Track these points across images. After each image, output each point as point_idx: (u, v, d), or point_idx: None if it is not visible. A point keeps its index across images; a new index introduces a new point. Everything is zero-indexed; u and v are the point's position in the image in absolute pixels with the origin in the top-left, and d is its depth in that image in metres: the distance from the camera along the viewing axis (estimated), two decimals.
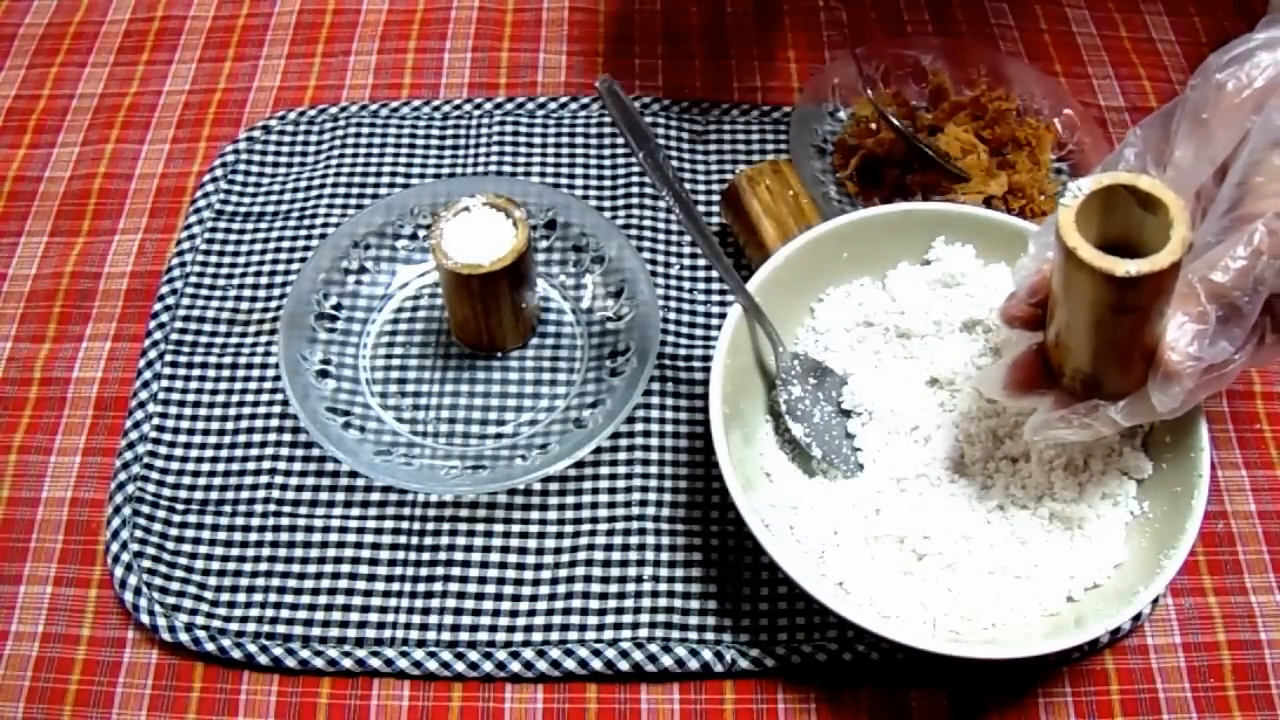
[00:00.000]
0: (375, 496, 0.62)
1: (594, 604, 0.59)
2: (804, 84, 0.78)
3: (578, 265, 0.69)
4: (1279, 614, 0.60)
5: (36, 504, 0.63)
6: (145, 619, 0.58)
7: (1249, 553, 0.62)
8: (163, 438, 0.64)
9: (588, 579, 0.59)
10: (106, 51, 0.82)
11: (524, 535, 0.61)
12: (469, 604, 0.59)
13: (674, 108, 0.78)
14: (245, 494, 0.62)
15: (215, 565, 0.60)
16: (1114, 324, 0.44)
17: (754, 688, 0.57)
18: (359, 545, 0.60)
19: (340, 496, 0.62)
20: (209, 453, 0.63)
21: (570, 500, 0.62)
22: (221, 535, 0.61)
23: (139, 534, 0.60)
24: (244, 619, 0.58)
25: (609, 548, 0.60)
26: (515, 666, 0.57)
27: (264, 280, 0.70)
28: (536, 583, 0.59)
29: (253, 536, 0.61)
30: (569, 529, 0.61)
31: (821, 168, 0.72)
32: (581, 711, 0.57)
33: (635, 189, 0.73)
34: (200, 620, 0.58)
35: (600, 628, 0.58)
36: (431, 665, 0.57)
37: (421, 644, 0.58)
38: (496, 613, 0.59)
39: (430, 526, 0.61)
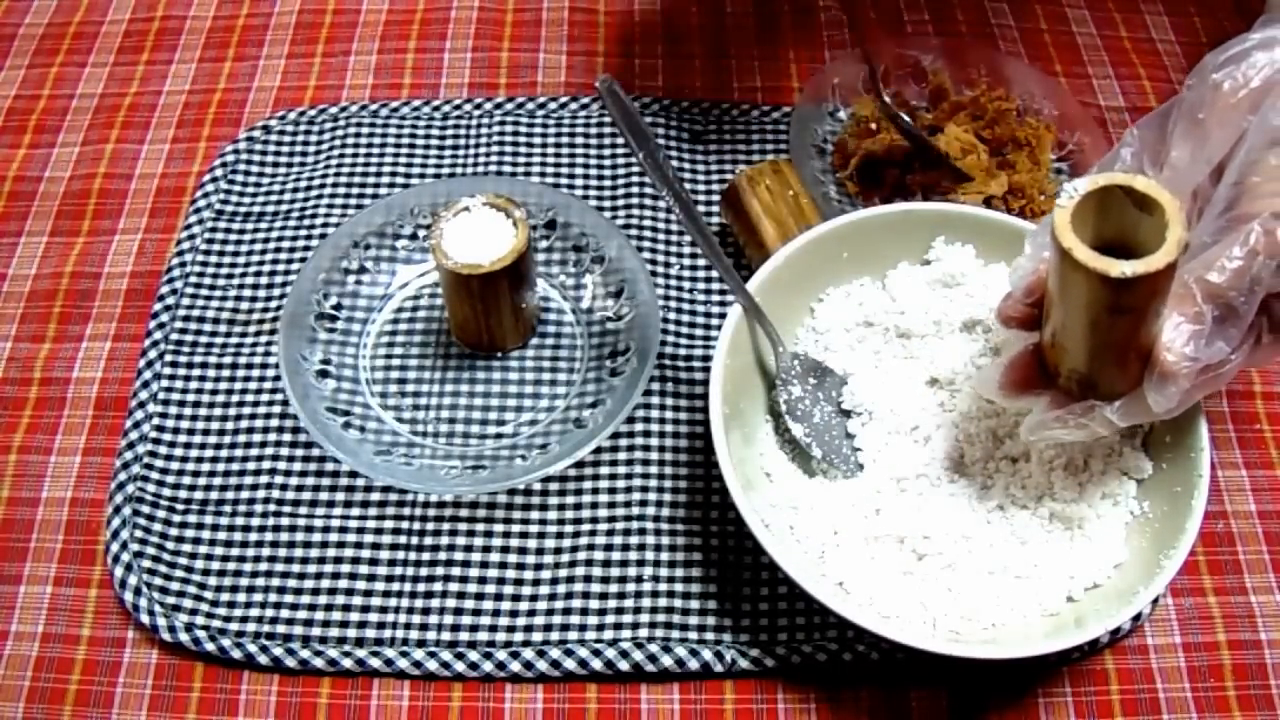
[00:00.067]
0: (375, 496, 0.62)
1: (594, 604, 0.59)
2: (804, 84, 0.78)
3: (578, 265, 0.69)
4: (1279, 614, 0.60)
5: (36, 504, 0.63)
6: (145, 619, 0.58)
7: (1249, 553, 0.62)
8: (163, 438, 0.64)
9: (588, 579, 0.59)
10: (106, 51, 0.82)
11: (524, 535, 0.61)
12: (469, 604, 0.59)
13: (674, 108, 0.78)
14: (245, 494, 0.62)
15: (215, 565, 0.60)
16: (1110, 324, 0.44)
17: (754, 688, 0.57)
18: (359, 545, 0.60)
19: (340, 496, 0.62)
20: (209, 453, 0.63)
21: (570, 500, 0.62)
22: (221, 535, 0.61)
23: (139, 534, 0.60)
24: (244, 619, 0.58)
25: (609, 548, 0.60)
26: (515, 666, 0.57)
27: (264, 280, 0.70)
28: (536, 583, 0.59)
29: (253, 536, 0.61)
30: (569, 529, 0.61)
31: (821, 168, 0.72)
32: (581, 711, 0.57)
33: (635, 189, 0.73)
34: (200, 620, 0.58)
35: (600, 628, 0.58)
36: (431, 665, 0.57)
37: (421, 644, 0.58)
38: (496, 613, 0.59)
39: (430, 526, 0.61)
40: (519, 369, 0.66)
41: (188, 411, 0.65)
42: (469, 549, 0.60)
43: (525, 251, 0.61)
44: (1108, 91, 0.80)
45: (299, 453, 0.63)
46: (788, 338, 0.62)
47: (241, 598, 0.59)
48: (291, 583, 0.59)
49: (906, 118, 0.71)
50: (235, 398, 0.65)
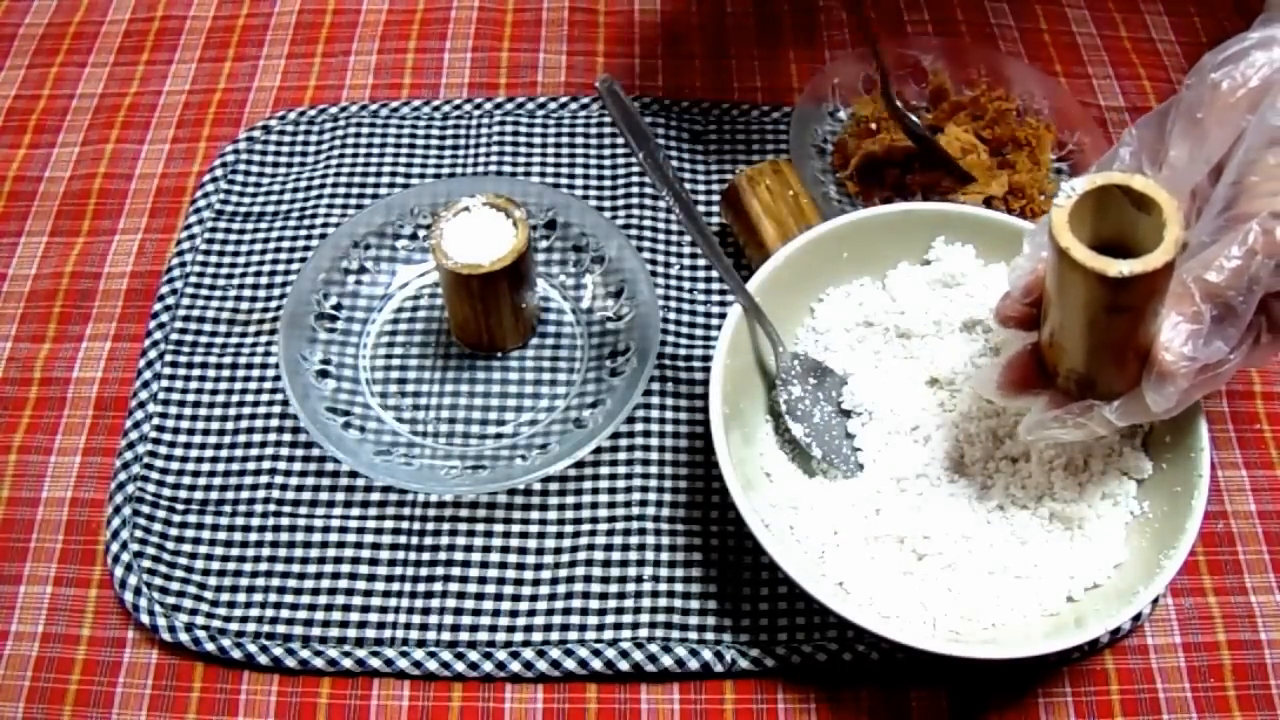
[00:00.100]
0: (375, 496, 0.62)
1: (594, 604, 0.59)
2: (804, 84, 0.78)
3: (578, 265, 0.69)
4: (1279, 614, 0.60)
5: (36, 504, 0.63)
6: (145, 619, 0.58)
7: (1249, 553, 0.62)
8: (163, 438, 0.64)
9: (588, 579, 0.59)
10: (106, 51, 0.82)
11: (524, 535, 0.61)
12: (469, 604, 0.59)
13: (674, 108, 0.78)
14: (245, 494, 0.62)
15: (215, 565, 0.60)
16: (1108, 324, 0.44)
17: (754, 688, 0.57)
18: (359, 545, 0.60)
19: (340, 496, 0.62)
20: (209, 453, 0.63)
21: (570, 500, 0.62)
22: (221, 535, 0.61)
23: (139, 534, 0.60)
24: (244, 619, 0.58)
25: (609, 548, 0.60)
26: (515, 666, 0.57)
27: (264, 280, 0.70)
28: (536, 583, 0.59)
29: (253, 536, 0.61)
30: (569, 529, 0.61)
31: (821, 168, 0.72)
32: (581, 711, 0.57)
33: (635, 189, 0.73)
34: (200, 620, 0.58)
35: (600, 628, 0.58)
36: (431, 665, 0.57)
37: (421, 644, 0.58)
38: (496, 613, 0.59)
39: (430, 526, 0.61)
40: (519, 369, 0.66)
41: (188, 411, 0.65)
42: (469, 549, 0.60)
43: (525, 251, 0.61)
44: (1108, 91, 0.80)
45: (299, 453, 0.63)
46: (788, 338, 0.62)
47: (241, 598, 0.59)
48: (291, 583, 0.59)
49: (914, 118, 0.71)
50: (235, 398, 0.65)
